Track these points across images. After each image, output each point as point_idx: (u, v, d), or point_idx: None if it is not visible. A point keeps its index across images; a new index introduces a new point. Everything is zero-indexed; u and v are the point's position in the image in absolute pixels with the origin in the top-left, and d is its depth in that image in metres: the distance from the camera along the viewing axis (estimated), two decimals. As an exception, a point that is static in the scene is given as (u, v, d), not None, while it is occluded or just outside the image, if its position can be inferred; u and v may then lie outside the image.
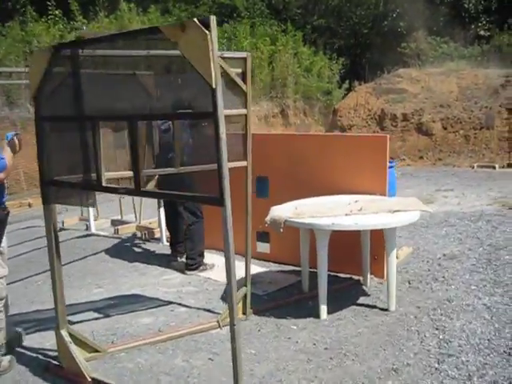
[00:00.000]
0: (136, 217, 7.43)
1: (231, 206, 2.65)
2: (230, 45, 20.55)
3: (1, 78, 13.36)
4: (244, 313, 4.24)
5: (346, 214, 4.07)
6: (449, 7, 21.92)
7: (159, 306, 4.60)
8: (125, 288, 5.07)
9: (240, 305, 4.21)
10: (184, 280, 5.23)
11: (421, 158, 14.64)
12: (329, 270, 5.07)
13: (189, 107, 3.58)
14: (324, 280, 4.09)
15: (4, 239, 3.64)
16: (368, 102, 17.44)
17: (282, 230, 4.05)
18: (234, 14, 23.70)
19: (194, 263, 5.38)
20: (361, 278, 4.93)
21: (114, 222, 7.76)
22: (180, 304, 4.62)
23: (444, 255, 5.56)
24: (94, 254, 6.28)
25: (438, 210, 7.69)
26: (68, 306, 4.57)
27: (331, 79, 22.46)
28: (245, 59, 3.70)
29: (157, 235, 6.74)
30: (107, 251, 6.38)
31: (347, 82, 21.77)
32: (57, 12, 17.57)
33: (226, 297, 4.58)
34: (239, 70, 3.73)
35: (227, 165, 2.52)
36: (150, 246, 6.52)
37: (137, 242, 6.75)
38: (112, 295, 4.89)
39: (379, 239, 4.37)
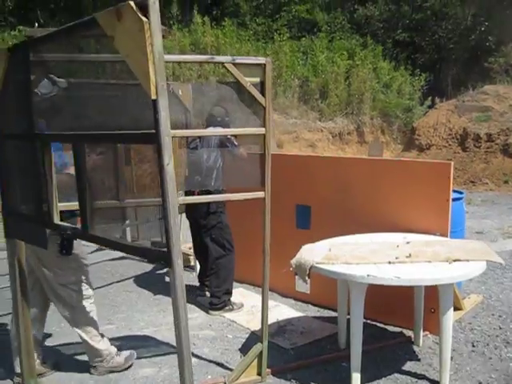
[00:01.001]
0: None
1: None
2: (306, 59, 19.94)
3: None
4: (259, 373, 3.49)
5: (390, 262, 3.24)
6: (544, 19, 20.28)
7: (168, 353, 3.94)
8: (137, 327, 4.45)
9: (255, 362, 3.47)
10: (205, 321, 4.54)
11: (506, 182, 13.25)
12: (375, 321, 4.29)
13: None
14: (358, 342, 3.26)
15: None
16: (449, 121, 16.21)
17: (307, 279, 3.29)
18: (315, 29, 23.09)
19: (219, 302, 4.69)
20: (412, 335, 4.05)
21: (155, 244, 7.19)
22: (192, 353, 3.92)
23: (523, 309, 4.57)
24: (120, 281, 5.72)
25: (521, 247, 6.61)
26: (65, 345, 4.04)
27: (412, 96, 21.28)
28: (263, 66, 2.99)
29: (192, 263, 6.10)
30: (136, 279, 5.81)
31: (429, 98, 20.58)
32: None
33: (244, 349, 3.86)
34: (257, 80, 3.02)
35: (175, 205, 1.84)
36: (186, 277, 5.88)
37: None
38: (120, 334, 4.28)
39: (437, 288, 3.50)
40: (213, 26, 19.09)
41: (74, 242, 3.39)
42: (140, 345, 4.08)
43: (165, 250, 2.12)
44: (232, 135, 4.41)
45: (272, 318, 4.47)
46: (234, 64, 2.90)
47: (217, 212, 4.65)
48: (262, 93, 3.02)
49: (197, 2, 21.65)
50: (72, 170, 3.23)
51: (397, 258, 3.28)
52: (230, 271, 4.76)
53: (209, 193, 4.34)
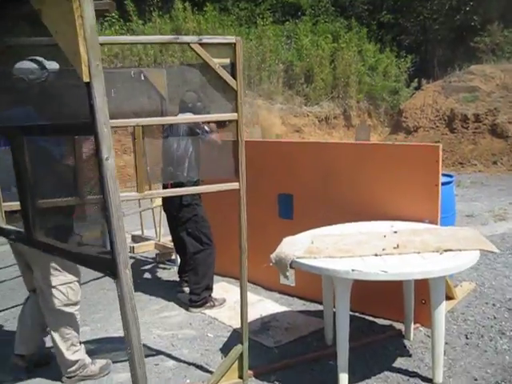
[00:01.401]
0: (156, 233, 6.58)
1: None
2: (290, 43, 19.63)
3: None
4: (240, 376, 3.26)
5: (376, 255, 3.01)
6: (529, -3, 20.07)
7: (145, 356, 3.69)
8: (114, 328, 4.19)
9: (235, 365, 3.24)
10: (185, 320, 4.30)
11: (494, 163, 13.08)
12: (364, 314, 4.09)
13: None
14: (344, 340, 3.03)
15: None
16: (436, 102, 15.99)
17: (288, 275, 3.05)
18: (299, 13, 22.75)
19: (198, 299, 4.46)
20: (403, 328, 3.84)
21: (135, 238, 6.96)
22: (169, 356, 3.70)
23: (516, 295, 4.39)
24: (98, 278, 5.46)
25: (512, 230, 6.44)
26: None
27: (398, 78, 21.09)
28: (233, 45, 2.73)
29: (173, 257, 5.86)
30: (114, 275, 5.55)
31: (416, 80, 20.36)
32: (113, 14, 17.19)
33: (226, 349, 3.63)
34: (226, 61, 2.76)
35: (119, 206, 1.59)
36: (164, 271, 5.64)
37: (150, 265, 5.88)
38: (95, 336, 4.04)
39: (427, 280, 3.29)
40: (194, 11, 18.68)
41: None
42: (116, 347, 3.82)
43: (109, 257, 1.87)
44: (205, 121, 4.15)
45: (255, 314, 4.26)
46: (201, 44, 2.64)
47: (191, 204, 4.39)
48: (233, 75, 2.76)
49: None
50: (71, 161, 3.03)
51: (383, 250, 3.06)
52: (209, 266, 4.50)
53: (182, 184, 4.08)
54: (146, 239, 6.68)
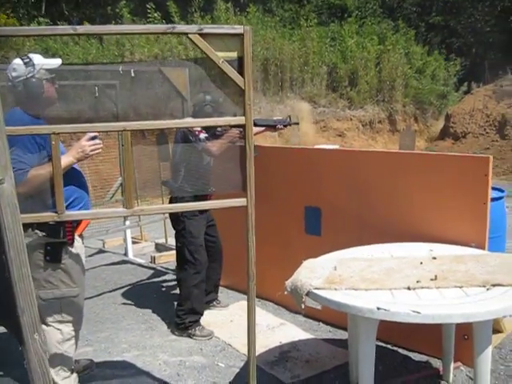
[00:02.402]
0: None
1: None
2: (334, 45, 19.07)
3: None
4: (248, 422, 2.82)
5: (409, 288, 2.52)
6: None
7: (146, 386, 3.31)
8: (118, 350, 3.82)
9: (243, 408, 2.81)
10: (196, 344, 3.88)
11: (549, 173, 12.29)
12: (398, 346, 3.59)
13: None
14: (369, 387, 2.56)
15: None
16: (487, 107, 15.21)
17: (303, 307, 2.60)
18: (345, 15, 22.19)
19: (181, 322, 4.01)
20: (441, 366, 3.32)
21: (158, 247, 6.61)
22: (174, 388, 3.29)
23: None
24: (112, 290, 5.12)
25: None
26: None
27: (447, 81, 20.28)
28: (241, 37, 2.29)
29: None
30: (128, 289, 5.18)
31: (465, 84, 19.51)
32: (156, 15, 17.10)
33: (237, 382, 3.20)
34: (233, 55, 2.33)
35: (22, 247, 1.17)
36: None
37: (170, 277, 5.49)
38: (96, 359, 3.65)
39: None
40: (237, 12, 18.36)
41: (75, 254, 2.87)
42: (117, 373, 3.46)
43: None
44: (203, 127, 3.74)
45: (274, 341, 3.81)
46: (202, 35, 2.22)
47: (180, 217, 3.99)
48: (241, 72, 2.32)
49: (221, -11, 21.01)
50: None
51: (418, 282, 2.56)
52: (192, 289, 4.00)
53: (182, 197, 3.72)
54: (170, 248, 6.31)
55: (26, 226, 2.48)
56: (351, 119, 17.71)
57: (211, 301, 4.48)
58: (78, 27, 2.15)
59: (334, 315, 3.95)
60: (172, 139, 4.07)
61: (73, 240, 2.83)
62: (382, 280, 2.62)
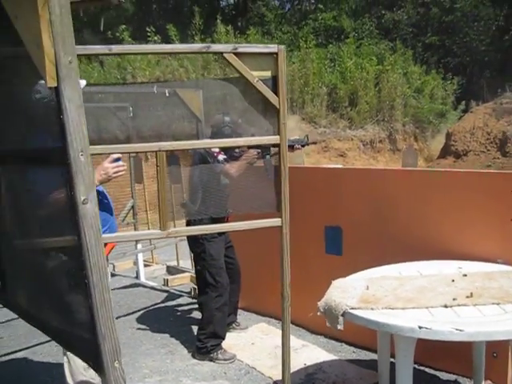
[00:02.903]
0: (192, 264, 6.15)
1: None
2: (333, 66, 19.23)
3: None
4: None
5: (446, 306, 2.49)
6: None
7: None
8: (139, 375, 3.76)
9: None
10: (219, 368, 3.82)
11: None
12: (423, 365, 3.55)
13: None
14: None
15: None
16: (487, 125, 15.25)
17: (340, 328, 2.56)
18: (342, 36, 22.45)
19: (202, 346, 3.95)
20: (471, 386, 3.28)
21: (170, 270, 6.55)
22: (199, 413, 3.24)
23: None
24: (127, 314, 5.06)
25: None
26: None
27: (445, 100, 20.44)
28: (275, 56, 2.29)
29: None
30: (144, 312, 5.13)
31: (463, 102, 19.65)
32: (156, 38, 17.25)
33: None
34: (267, 74, 2.33)
35: (105, 270, 1.15)
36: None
37: (185, 301, 5.43)
38: (119, 386, 3.59)
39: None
40: (236, 35, 18.53)
41: None
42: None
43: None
44: (221, 148, 3.73)
45: (299, 364, 3.76)
46: (236, 54, 2.22)
47: (199, 239, 3.93)
48: (275, 91, 2.32)
49: (221, 13, 21.24)
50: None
51: (455, 300, 2.53)
52: (215, 312, 3.94)
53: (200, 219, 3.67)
54: (182, 271, 6.27)
55: (50, 250, 2.46)
56: (352, 139, 17.76)
57: (230, 323, 4.40)
58: (113, 47, 2.15)
59: (356, 336, 3.93)
60: (184, 162, 4.05)
61: None
62: (417, 298, 2.59)
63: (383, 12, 25.22)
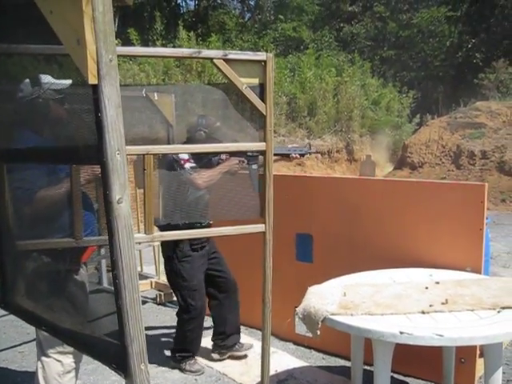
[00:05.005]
0: (156, 270, 6.10)
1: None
2: (293, 76, 19.44)
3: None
4: None
5: (423, 312, 2.56)
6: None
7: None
8: (108, 382, 3.69)
9: None
10: (189, 376, 3.79)
11: (503, 201, 12.75)
12: (396, 372, 3.60)
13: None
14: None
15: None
16: (442, 138, 15.70)
17: (318, 333, 2.60)
18: (301, 47, 22.78)
19: (172, 356, 3.91)
20: (441, 392, 3.36)
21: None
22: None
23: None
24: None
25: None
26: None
27: (401, 113, 20.95)
28: (263, 63, 2.32)
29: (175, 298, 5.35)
30: (110, 318, 5.04)
31: (418, 116, 20.19)
32: (116, 41, 17.00)
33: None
34: (255, 81, 2.35)
35: (134, 267, 1.15)
36: (166, 315, 5.11)
37: (150, 307, 5.37)
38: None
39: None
40: (198, 41, 18.53)
41: (80, 282, 2.83)
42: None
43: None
44: (191, 155, 3.53)
45: (270, 370, 3.75)
46: (226, 60, 2.24)
47: (171, 258, 3.72)
48: (262, 98, 2.34)
49: (182, 19, 21.23)
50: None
51: (431, 306, 2.61)
52: (187, 334, 3.78)
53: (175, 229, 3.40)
54: (145, 277, 6.20)
55: (32, 251, 2.41)
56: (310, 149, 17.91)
57: (233, 345, 4.01)
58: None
59: (326, 342, 3.96)
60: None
61: (78, 267, 2.76)
62: (394, 305, 2.65)
63: (342, 25, 25.73)
